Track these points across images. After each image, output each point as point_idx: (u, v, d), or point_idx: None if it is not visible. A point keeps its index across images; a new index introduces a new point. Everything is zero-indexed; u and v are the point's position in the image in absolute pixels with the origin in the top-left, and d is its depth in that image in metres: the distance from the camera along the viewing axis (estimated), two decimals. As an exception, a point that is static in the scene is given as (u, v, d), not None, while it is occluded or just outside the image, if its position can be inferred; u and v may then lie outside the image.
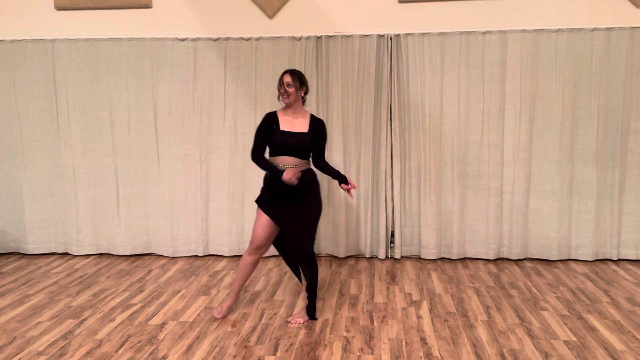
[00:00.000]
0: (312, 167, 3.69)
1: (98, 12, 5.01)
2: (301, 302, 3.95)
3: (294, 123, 3.57)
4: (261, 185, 3.69)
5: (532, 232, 4.92)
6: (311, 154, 3.66)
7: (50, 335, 3.45)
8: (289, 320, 3.64)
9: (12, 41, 5.03)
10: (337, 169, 3.85)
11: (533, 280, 4.40)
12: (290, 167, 3.50)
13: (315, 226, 3.69)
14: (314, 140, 3.59)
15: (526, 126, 4.79)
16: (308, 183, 3.59)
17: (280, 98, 3.58)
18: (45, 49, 5.03)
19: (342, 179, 3.62)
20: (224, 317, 3.72)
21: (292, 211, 3.54)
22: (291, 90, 3.51)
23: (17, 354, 3.20)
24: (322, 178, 4.95)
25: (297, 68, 4.85)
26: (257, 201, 3.65)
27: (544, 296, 4.04)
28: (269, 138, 3.56)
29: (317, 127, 3.62)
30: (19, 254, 5.33)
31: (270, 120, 3.58)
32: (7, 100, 5.11)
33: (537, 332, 3.42)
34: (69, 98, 5.07)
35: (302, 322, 3.61)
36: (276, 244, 3.80)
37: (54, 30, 5.04)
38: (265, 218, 3.58)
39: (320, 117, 4.95)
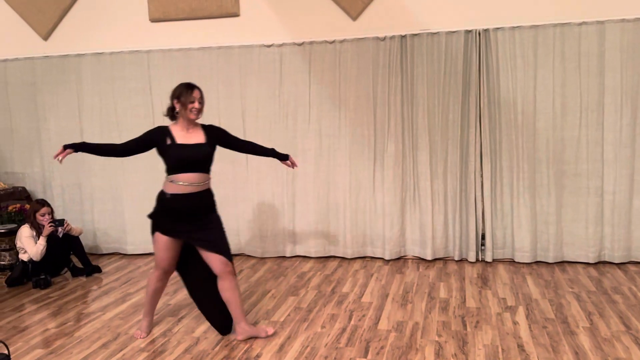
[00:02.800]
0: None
1: (189, 23, 5.22)
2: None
3: (189, 136, 3.37)
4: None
5: (635, 233, 4.60)
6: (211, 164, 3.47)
7: (150, 333, 3.62)
8: (264, 335, 3.45)
9: (111, 53, 5.36)
10: (257, 154, 3.71)
11: (638, 285, 4.11)
12: (192, 184, 3.30)
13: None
14: (213, 148, 3.44)
15: (628, 121, 4.49)
16: (210, 202, 3.45)
17: (189, 113, 3.34)
18: (141, 59, 5.30)
19: (281, 157, 3.66)
20: (148, 335, 3.58)
21: (199, 229, 3.34)
22: (201, 107, 3.39)
23: (121, 350, 3.38)
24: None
25: (380, 68, 4.85)
26: (155, 229, 3.42)
27: (652, 303, 3.77)
28: (146, 148, 3.42)
29: (214, 131, 3.49)
30: (120, 254, 5.65)
31: (162, 133, 3.37)
32: (107, 109, 5.44)
33: (647, 341, 3.20)
34: (164, 106, 5.22)
35: (272, 329, 3.52)
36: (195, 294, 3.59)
37: (148, 41, 5.31)
38: (166, 241, 3.37)
39: (405, 117, 4.90)
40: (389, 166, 4.94)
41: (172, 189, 3.31)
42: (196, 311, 3.94)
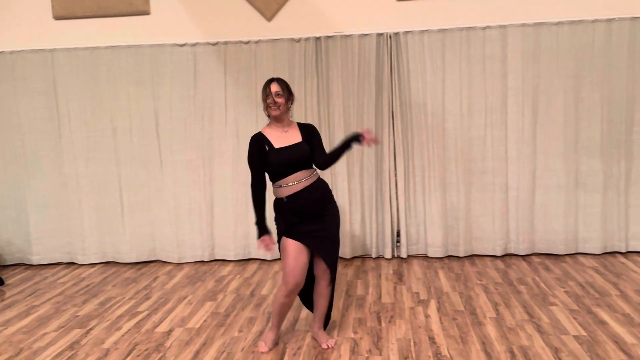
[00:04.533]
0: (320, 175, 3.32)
1: (96, 21, 5.01)
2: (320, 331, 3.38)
3: (286, 137, 3.17)
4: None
5: (538, 227, 4.88)
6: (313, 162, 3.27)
7: (56, 346, 3.44)
8: (323, 347, 3.27)
9: (12, 52, 5.04)
10: (338, 157, 3.37)
11: (541, 276, 4.36)
12: (301, 181, 3.10)
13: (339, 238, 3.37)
14: (311, 147, 3.21)
15: (529, 120, 4.76)
16: (326, 193, 3.25)
17: (268, 110, 3.16)
18: (45, 58, 5.03)
19: (356, 138, 3.22)
20: (270, 350, 3.30)
21: (320, 228, 3.16)
22: (281, 100, 3.12)
23: (24, 365, 3.19)
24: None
25: (297, 70, 4.86)
26: (281, 234, 3.19)
27: (552, 291, 4.00)
28: (264, 162, 3.15)
29: (309, 131, 3.26)
30: (25, 264, 5.34)
31: (259, 141, 3.16)
32: (8, 112, 5.12)
33: (547, 327, 3.39)
34: (70, 107, 5.07)
35: (334, 342, 3.32)
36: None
37: (53, 40, 5.04)
38: (295, 247, 3.10)
39: (322, 117, 4.93)
40: (307, 167, 4.96)
41: (285, 192, 3.13)
42: (106, 322, 3.80)
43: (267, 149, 3.13)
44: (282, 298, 3.16)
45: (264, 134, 3.19)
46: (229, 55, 4.92)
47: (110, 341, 3.48)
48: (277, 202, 3.20)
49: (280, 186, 3.13)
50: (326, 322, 3.42)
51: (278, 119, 3.17)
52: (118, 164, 5.11)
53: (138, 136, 5.07)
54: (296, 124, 3.27)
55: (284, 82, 3.17)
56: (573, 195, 4.79)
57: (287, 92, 3.16)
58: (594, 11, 4.62)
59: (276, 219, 3.24)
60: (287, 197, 3.12)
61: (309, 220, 3.15)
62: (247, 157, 3.20)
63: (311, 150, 3.20)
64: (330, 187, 4.88)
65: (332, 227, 3.25)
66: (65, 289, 4.58)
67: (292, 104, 3.23)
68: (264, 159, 3.14)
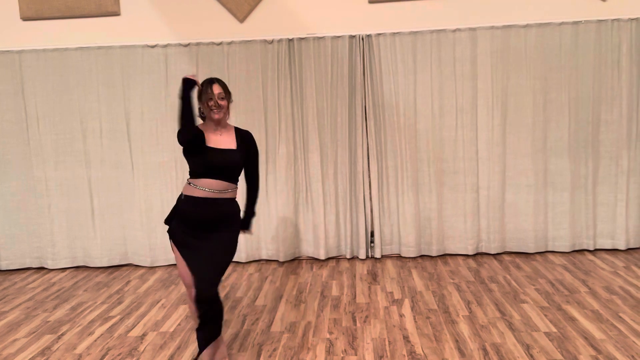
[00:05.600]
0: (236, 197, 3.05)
1: (65, 22, 4.92)
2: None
3: (219, 140, 2.93)
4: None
5: (509, 226, 4.97)
6: (241, 175, 3.04)
7: (27, 352, 3.37)
8: None
9: (-23, 53, 4.93)
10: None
11: (512, 274, 4.44)
12: (217, 191, 2.88)
13: (225, 267, 2.93)
14: (243, 158, 2.98)
15: (499, 121, 4.84)
16: (229, 214, 2.96)
17: (210, 114, 2.90)
18: (12, 60, 4.93)
19: (245, 223, 3.09)
20: None
21: (202, 244, 2.88)
22: (224, 103, 2.90)
23: (-7, 374, 3.13)
24: (293, 186, 4.93)
25: (270, 71, 4.86)
26: (168, 229, 3.03)
27: (523, 289, 4.08)
28: (198, 144, 2.88)
29: (247, 140, 3.01)
30: (-7, 270, 5.22)
31: (199, 130, 2.92)
32: (-26, 114, 5.00)
33: (518, 324, 3.45)
34: (38, 109, 4.97)
35: None
36: None
37: (20, 41, 4.94)
38: (179, 253, 2.94)
39: (295, 119, 4.93)
40: (281, 168, 4.97)
41: (189, 191, 2.90)
42: (78, 327, 3.73)
43: (200, 142, 2.89)
44: (190, 302, 3.02)
45: (200, 127, 2.95)
46: (201, 56, 4.89)
47: (82, 346, 3.42)
48: (178, 199, 3.00)
49: (194, 185, 2.89)
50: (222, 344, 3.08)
51: (218, 122, 2.94)
52: (88, 167, 5.03)
53: (108, 138, 5.00)
54: (233, 129, 3.02)
55: (224, 83, 2.96)
56: (542, 195, 4.89)
57: (228, 93, 2.95)
58: (561, 14, 4.73)
59: (169, 218, 3.02)
60: (187, 196, 2.90)
61: (192, 231, 2.90)
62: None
63: (242, 162, 2.97)
64: (304, 188, 4.98)
65: (218, 247, 2.90)
66: (35, 294, 4.49)
67: (230, 104, 3.01)
68: (198, 142, 2.88)
